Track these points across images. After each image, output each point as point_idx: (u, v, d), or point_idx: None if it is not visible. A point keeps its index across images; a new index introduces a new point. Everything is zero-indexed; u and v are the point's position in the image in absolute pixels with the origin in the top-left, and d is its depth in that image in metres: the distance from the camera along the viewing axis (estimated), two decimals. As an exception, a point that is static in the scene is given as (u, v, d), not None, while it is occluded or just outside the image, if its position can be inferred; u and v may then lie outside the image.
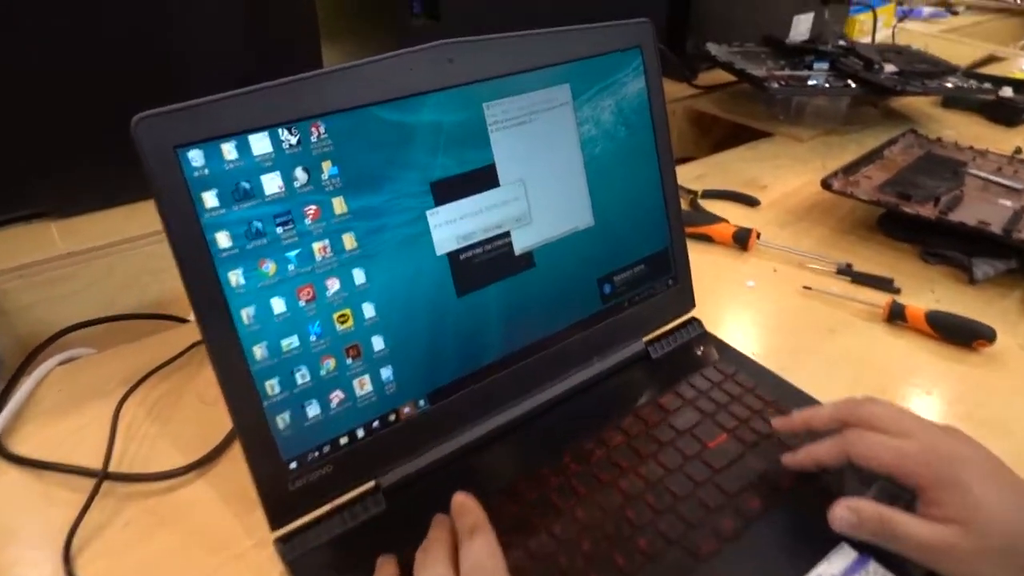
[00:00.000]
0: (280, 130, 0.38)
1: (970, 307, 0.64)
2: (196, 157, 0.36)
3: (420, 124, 0.43)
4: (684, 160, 1.01)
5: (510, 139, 0.46)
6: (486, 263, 0.46)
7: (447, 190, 0.44)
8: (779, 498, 0.44)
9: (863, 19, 1.53)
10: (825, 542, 0.41)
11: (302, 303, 0.40)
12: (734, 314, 0.66)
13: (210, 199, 0.36)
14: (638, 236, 0.55)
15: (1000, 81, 1.13)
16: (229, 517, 0.45)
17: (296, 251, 0.39)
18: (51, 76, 0.64)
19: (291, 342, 0.40)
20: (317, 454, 0.42)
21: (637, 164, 0.53)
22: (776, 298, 0.68)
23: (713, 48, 1.07)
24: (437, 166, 0.44)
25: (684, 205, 0.82)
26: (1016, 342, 0.61)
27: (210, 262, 0.36)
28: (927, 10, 1.81)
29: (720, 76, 1.19)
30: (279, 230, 0.38)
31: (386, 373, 0.43)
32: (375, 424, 0.44)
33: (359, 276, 0.41)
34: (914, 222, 0.72)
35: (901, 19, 1.60)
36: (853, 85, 0.99)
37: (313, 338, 0.40)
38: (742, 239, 0.74)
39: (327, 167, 0.40)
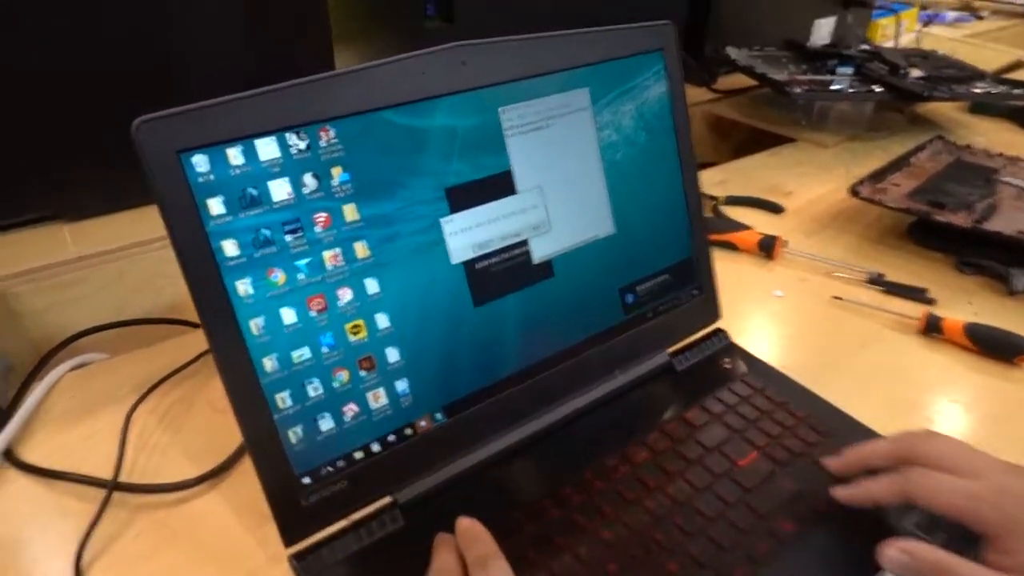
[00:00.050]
0: (288, 134, 0.36)
1: (1010, 319, 0.61)
2: (200, 162, 0.34)
3: (434, 129, 0.41)
4: (704, 166, 0.99)
5: (527, 144, 0.45)
6: (503, 272, 0.45)
7: (462, 197, 0.42)
8: (814, 521, 0.42)
9: (885, 23, 1.50)
10: (865, 570, 0.38)
11: (313, 313, 0.38)
12: (761, 325, 0.63)
13: (216, 206, 0.35)
14: (661, 244, 0.53)
15: (1031, 86, 1.10)
16: (242, 531, 0.43)
17: (306, 260, 0.38)
18: (60, 78, 0.63)
19: (302, 354, 0.38)
20: (331, 469, 0.40)
21: (659, 170, 0.52)
22: (805, 308, 0.65)
23: (733, 52, 1.05)
24: (451, 172, 0.42)
25: (706, 212, 0.80)
26: (1061, 355, 0.58)
27: (216, 271, 0.35)
28: (951, 14, 1.78)
29: (739, 80, 1.17)
30: (288, 238, 0.37)
31: (401, 386, 0.42)
32: (391, 438, 0.42)
33: (372, 286, 0.40)
34: (947, 231, 0.69)
35: (925, 24, 1.57)
36: (878, 90, 0.96)
37: (325, 350, 0.39)
38: (768, 247, 0.72)
39: (337, 173, 0.38)
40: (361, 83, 0.39)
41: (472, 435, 0.45)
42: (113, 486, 0.44)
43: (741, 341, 0.58)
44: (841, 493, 0.42)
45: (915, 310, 0.62)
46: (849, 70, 1.01)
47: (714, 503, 0.43)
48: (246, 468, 0.47)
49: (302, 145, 0.37)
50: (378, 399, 0.41)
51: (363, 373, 0.40)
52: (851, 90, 0.96)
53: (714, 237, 0.73)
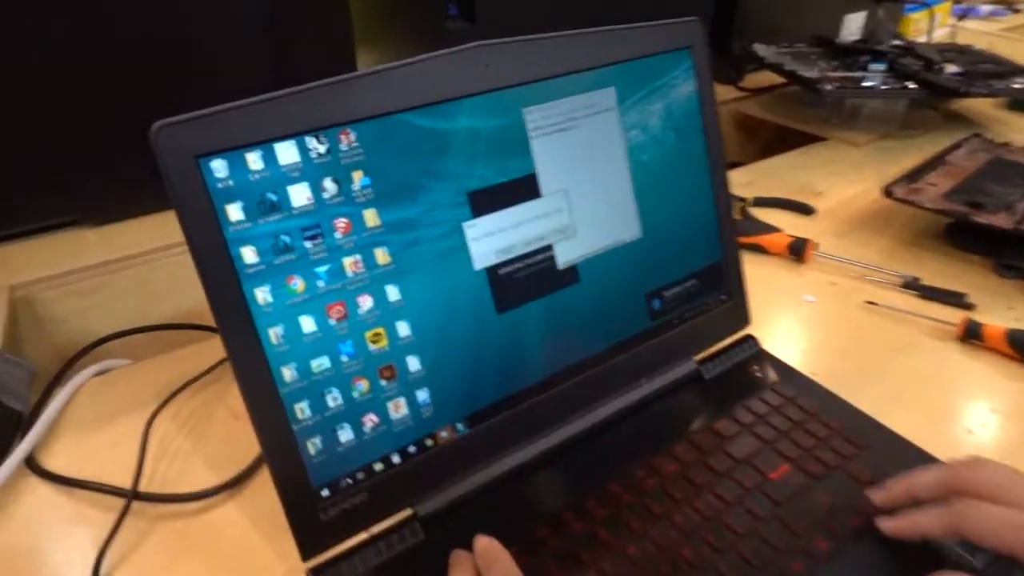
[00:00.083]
0: (308, 138, 0.36)
1: (1054, 325, 0.58)
2: (219, 167, 0.33)
3: (456, 131, 0.40)
4: (730, 166, 0.96)
5: (552, 146, 0.44)
6: (527, 278, 0.44)
7: (485, 201, 0.41)
8: (851, 538, 0.40)
9: (917, 18, 1.46)
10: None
11: (333, 322, 0.37)
12: (791, 331, 0.61)
13: (234, 212, 0.34)
14: (689, 248, 0.51)
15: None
16: (260, 542, 0.43)
17: (326, 267, 0.37)
18: (85, 83, 0.63)
19: (322, 363, 0.37)
20: (350, 481, 0.39)
21: (687, 172, 0.50)
22: (837, 314, 0.63)
23: (761, 49, 1.03)
24: (474, 175, 0.41)
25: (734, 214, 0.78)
26: (1108, 364, 0.55)
27: (235, 278, 0.34)
28: (985, 8, 1.73)
29: (767, 78, 1.15)
30: (308, 244, 0.36)
31: (422, 395, 0.41)
32: (411, 449, 0.41)
33: (393, 293, 0.39)
34: (987, 233, 0.67)
35: (960, 18, 1.53)
36: (912, 87, 0.94)
37: (345, 358, 0.38)
38: (798, 250, 0.70)
39: (358, 177, 0.37)
40: (382, 85, 0.38)
41: (494, 446, 0.44)
42: (132, 496, 0.44)
43: (771, 348, 0.56)
44: (887, 525, 0.40)
45: (953, 316, 0.60)
46: (882, 66, 0.98)
47: (745, 518, 0.42)
48: (265, 477, 0.47)
49: (322, 149, 0.36)
50: (399, 409, 0.40)
51: (383, 383, 0.39)
52: (884, 87, 0.94)
53: (742, 240, 0.71)
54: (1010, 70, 1.03)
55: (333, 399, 0.38)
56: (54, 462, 0.48)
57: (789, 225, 0.75)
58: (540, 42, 0.43)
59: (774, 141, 1.10)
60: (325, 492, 0.38)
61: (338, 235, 0.37)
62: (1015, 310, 0.62)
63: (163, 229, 0.68)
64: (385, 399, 0.40)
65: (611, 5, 0.78)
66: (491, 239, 0.42)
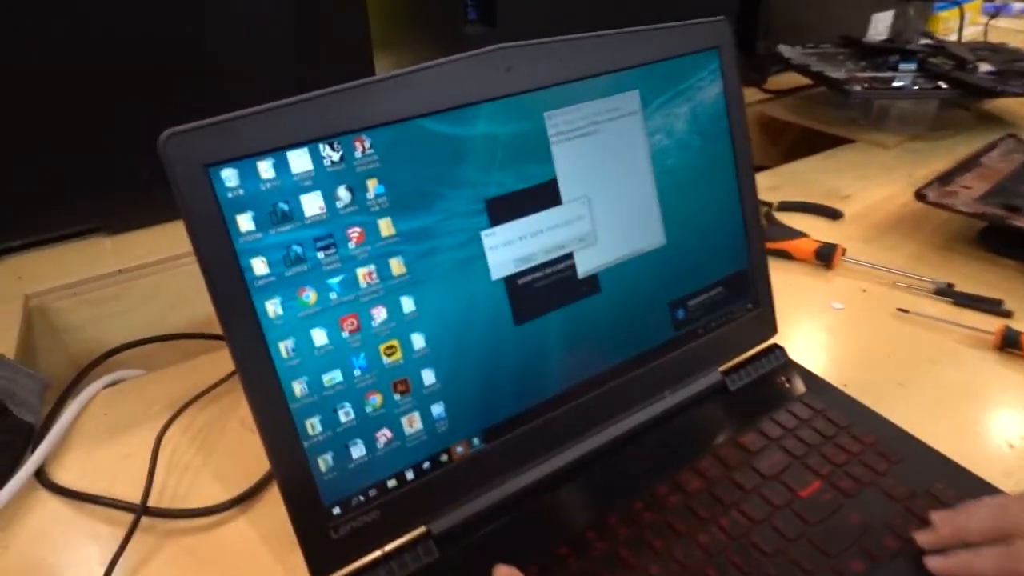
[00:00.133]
0: (321, 145, 0.34)
1: (1098, 334, 0.56)
2: (230, 176, 0.32)
3: (474, 137, 0.39)
4: (755, 169, 0.94)
5: (573, 151, 0.42)
6: (547, 288, 0.42)
7: (504, 209, 0.40)
8: (887, 560, 0.39)
9: (947, 17, 1.43)
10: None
11: (345, 334, 0.36)
12: (820, 340, 0.59)
13: (245, 222, 0.33)
14: (714, 255, 0.50)
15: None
16: (270, 559, 0.42)
17: (339, 278, 0.36)
18: (107, 89, 0.63)
19: (333, 377, 0.36)
20: (362, 498, 0.38)
21: (713, 177, 0.48)
22: (867, 322, 0.61)
23: (786, 50, 1.00)
24: (493, 183, 0.40)
25: (759, 219, 0.76)
26: None
27: (245, 291, 0.33)
28: (1017, 6, 1.69)
29: (791, 79, 1.13)
30: (320, 255, 0.35)
31: (437, 410, 0.40)
32: (425, 465, 0.40)
33: (408, 304, 0.38)
34: (1023, 237, 0.64)
35: (992, 16, 1.49)
36: (945, 86, 0.91)
37: (358, 372, 0.37)
38: (826, 256, 0.68)
39: (373, 185, 0.36)
40: (398, 90, 0.37)
41: (511, 461, 0.43)
42: (141, 512, 0.43)
43: (798, 358, 0.54)
44: (938, 566, 0.37)
45: (989, 323, 0.58)
46: (912, 66, 0.95)
47: (774, 538, 0.40)
48: (276, 492, 0.45)
49: (336, 156, 0.35)
50: (413, 424, 0.39)
51: (397, 397, 0.38)
52: (915, 87, 0.91)
53: (768, 246, 0.69)
54: (1046, 69, 1.00)
55: (345, 414, 0.37)
56: (64, 475, 0.47)
57: (816, 230, 0.73)
58: (562, 44, 0.41)
59: (799, 144, 1.08)
60: (336, 510, 0.37)
61: (352, 245, 0.36)
62: (1056, 319, 0.59)
63: (178, 237, 0.67)
64: (399, 414, 0.38)
65: (634, 7, 0.76)
66: (509, 248, 0.40)
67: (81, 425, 0.52)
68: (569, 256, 0.43)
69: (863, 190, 0.84)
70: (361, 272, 0.36)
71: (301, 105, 0.34)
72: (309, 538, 0.36)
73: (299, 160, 0.34)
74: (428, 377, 0.39)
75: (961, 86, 0.90)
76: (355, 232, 0.36)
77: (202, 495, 0.46)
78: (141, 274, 0.65)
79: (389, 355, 0.38)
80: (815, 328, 0.61)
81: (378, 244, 0.36)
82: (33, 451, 0.47)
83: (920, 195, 0.70)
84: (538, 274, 0.42)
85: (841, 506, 0.42)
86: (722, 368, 0.52)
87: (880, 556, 0.39)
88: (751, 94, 1.12)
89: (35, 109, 0.62)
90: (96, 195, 0.67)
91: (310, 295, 0.35)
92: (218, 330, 0.58)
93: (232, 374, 0.55)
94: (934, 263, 0.69)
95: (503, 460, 0.42)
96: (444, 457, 0.40)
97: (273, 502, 0.45)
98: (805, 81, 1.07)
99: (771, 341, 0.54)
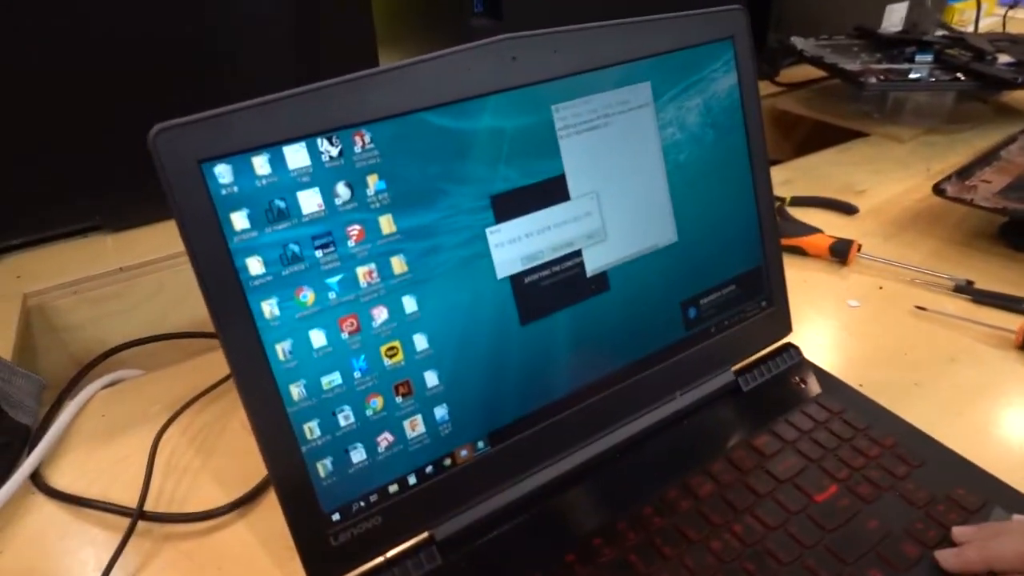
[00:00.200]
0: (319, 140, 0.33)
1: (1124, 333, 0.54)
2: (223, 173, 0.31)
3: (479, 131, 0.37)
4: (768, 164, 0.93)
5: (582, 146, 0.41)
6: (554, 287, 0.41)
7: (510, 205, 0.39)
8: (907, 568, 0.37)
9: (962, 8, 1.40)
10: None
11: (345, 335, 0.35)
12: (836, 339, 0.58)
13: (239, 220, 0.32)
14: (728, 252, 0.48)
15: None
16: (269, 564, 0.41)
17: (338, 277, 0.34)
18: (109, 86, 0.62)
19: (332, 379, 0.35)
20: (363, 504, 0.37)
21: (727, 171, 0.47)
22: (884, 320, 0.60)
23: (799, 42, 0.99)
24: (498, 178, 0.38)
25: (772, 214, 0.75)
26: None
27: (240, 291, 0.32)
28: (1035, -4, 1.66)
29: (804, 72, 1.11)
30: (318, 254, 0.34)
31: (440, 412, 0.38)
32: (428, 470, 0.39)
33: (410, 304, 0.36)
34: (1046, 232, 0.63)
35: (1011, 7, 1.46)
36: (963, 78, 0.89)
37: (357, 375, 0.36)
38: (841, 252, 0.66)
39: (373, 181, 0.35)
40: (400, 82, 0.35)
41: (517, 465, 0.41)
42: (137, 516, 0.42)
43: (812, 357, 0.53)
44: None
45: (1011, 321, 0.56)
46: (928, 57, 0.93)
47: (789, 545, 0.39)
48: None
49: (334, 152, 0.34)
50: (415, 427, 0.38)
51: (399, 400, 0.37)
52: (932, 79, 0.89)
53: (781, 242, 0.68)
54: (1066, 60, 0.97)
55: (345, 418, 0.35)
56: (61, 478, 0.47)
57: (830, 226, 0.72)
58: (571, 34, 0.40)
59: (812, 138, 1.06)
60: (336, 516, 0.36)
61: (351, 243, 0.34)
62: (1081, 317, 0.58)
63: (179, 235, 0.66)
64: (401, 417, 0.37)
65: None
66: (515, 245, 0.39)
67: (79, 426, 0.51)
68: (577, 254, 0.41)
69: (878, 184, 0.82)
70: (361, 271, 0.35)
71: (298, 98, 0.33)
72: (308, 545, 0.35)
73: (296, 155, 0.33)
74: (431, 379, 0.38)
75: (980, 78, 0.88)
76: (355, 230, 0.35)
77: (201, 498, 0.45)
78: (142, 272, 0.64)
79: (390, 356, 0.36)
80: (830, 327, 0.59)
81: (379, 242, 0.35)
82: (29, 454, 0.46)
83: (939, 189, 0.68)
84: (545, 272, 0.40)
85: (859, 512, 0.40)
86: (735, 368, 0.50)
87: (899, 564, 0.37)
88: (762, 87, 1.10)
89: (35, 106, 0.61)
90: (97, 192, 0.66)
91: (308, 295, 0.34)
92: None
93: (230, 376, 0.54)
94: (953, 259, 0.67)
95: (508, 464, 0.41)
96: (448, 461, 0.39)
97: (273, 506, 0.44)
98: (818, 74, 1.05)
99: (785, 340, 0.53)
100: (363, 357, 0.36)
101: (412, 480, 0.38)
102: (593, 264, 0.42)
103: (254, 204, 0.32)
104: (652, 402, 0.46)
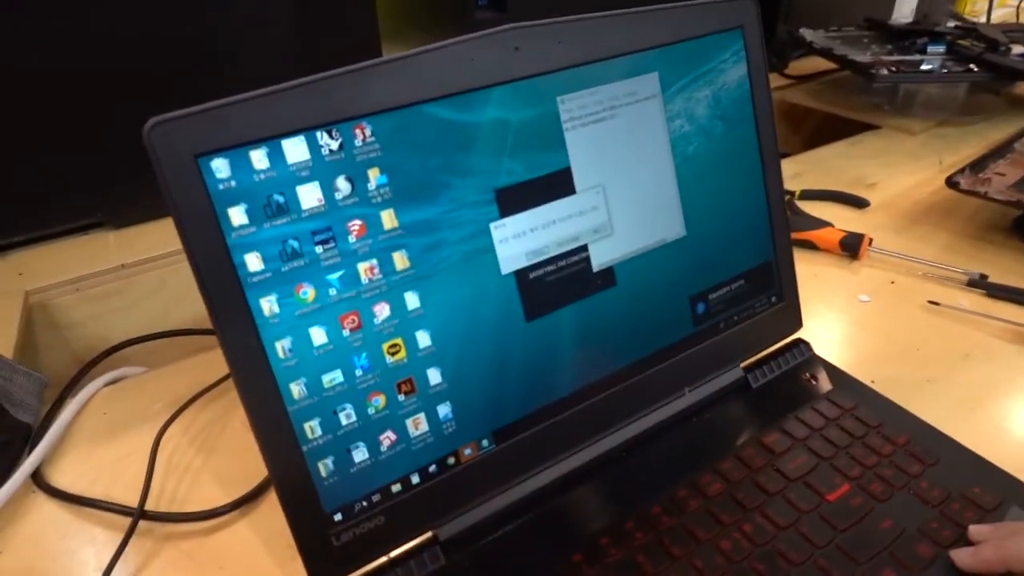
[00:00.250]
0: (319, 133, 0.32)
1: None
2: (221, 167, 0.30)
3: (483, 123, 0.37)
4: (777, 157, 0.92)
5: (588, 138, 0.40)
6: (559, 282, 0.40)
7: (515, 199, 0.38)
8: (920, 568, 0.36)
9: (974, -2, 1.39)
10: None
11: (346, 333, 0.34)
12: (847, 334, 0.57)
13: (237, 216, 0.31)
14: (737, 247, 0.47)
15: None
16: (271, 564, 0.40)
17: (339, 273, 0.34)
18: (110, 82, 0.62)
19: (333, 378, 0.34)
20: (365, 504, 0.36)
21: (737, 164, 0.46)
22: (896, 315, 0.59)
23: (809, 34, 0.97)
24: (503, 171, 0.37)
25: (781, 208, 0.74)
26: None
27: (238, 288, 0.31)
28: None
29: (813, 64, 1.09)
30: (318, 249, 0.33)
31: (444, 411, 0.38)
32: (432, 468, 0.38)
33: (412, 300, 0.36)
34: (1062, 225, 0.62)
35: (1022, -4, 1.44)
36: (976, 70, 0.87)
37: (359, 372, 0.35)
38: (851, 246, 0.65)
39: (374, 175, 0.34)
40: (401, 74, 0.34)
41: (522, 464, 0.41)
42: (139, 515, 0.42)
43: (823, 352, 0.52)
44: None
45: (1026, 317, 0.55)
46: (940, 48, 0.92)
47: (801, 545, 0.38)
48: (277, 495, 0.44)
49: (334, 145, 0.33)
50: (418, 426, 0.37)
51: (401, 398, 0.36)
52: (944, 71, 0.88)
53: (791, 236, 0.67)
54: (1081, 50, 0.96)
55: (346, 416, 0.35)
56: (61, 477, 0.46)
57: (840, 219, 0.71)
58: (577, 24, 0.39)
59: (821, 130, 1.05)
60: (338, 516, 0.35)
61: (352, 239, 0.34)
62: (1098, 312, 0.56)
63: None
64: (403, 415, 0.36)
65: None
66: (520, 240, 0.38)
67: (80, 425, 0.51)
68: (583, 248, 0.41)
69: (889, 177, 0.81)
70: (362, 267, 0.34)
71: (297, 90, 0.32)
72: (309, 546, 0.35)
73: (295, 149, 0.32)
74: (434, 377, 0.37)
75: (994, 69, 0.86)
76: (355, 225, 0.34)
77: (202, 497, 0.44)
78: (144, 269, 0.63)
79: (392, 354, 0.36)
80: (841, 322, 0.58)
81: (380, 237, 0.34)
82: (30, 452, 0.46)
83: (952, 182, 0.67)
84: (550, 267, 0.40)
85: (872, 511, 0.39)
86: (744, 364, 0.50)
87: (914, 565, 0.36)
88: (772, 80, 1.08)
89: (37, 105, 0.60)
90: (98, 189, 0.66)
91: (308, 292, 0.33)
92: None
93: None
94: (966, 253, 0.66)
95: (513, 463, 0.40)
96: (451, 460, 0.38)
97: (275, 505, 0.43)
98: (827, 65, 1.03)
99: (795, 336, 0.52)
100: (365, 355, 0.35)
101: (415, 479, 0.37)
102: (599, 259, 0.41)
103: (252, 199, 0.31)
104: (660, 399, 0.46)
